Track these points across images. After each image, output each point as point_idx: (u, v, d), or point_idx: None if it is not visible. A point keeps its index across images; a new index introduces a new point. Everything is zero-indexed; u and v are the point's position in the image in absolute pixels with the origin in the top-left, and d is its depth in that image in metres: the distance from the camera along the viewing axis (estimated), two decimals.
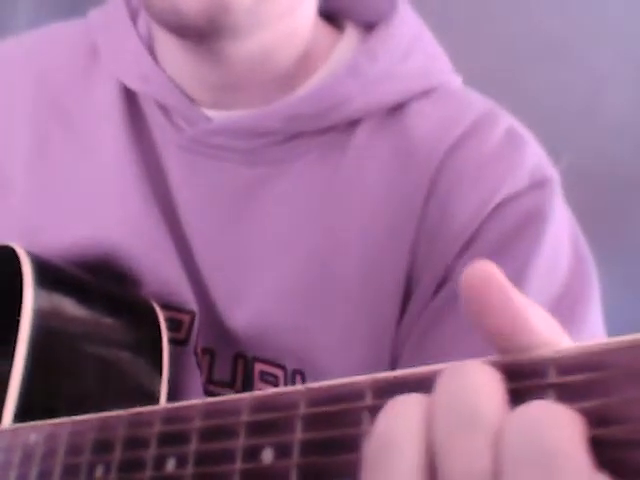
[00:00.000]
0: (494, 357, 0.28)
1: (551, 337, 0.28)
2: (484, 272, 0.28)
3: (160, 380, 0.58)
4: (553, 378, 0.26)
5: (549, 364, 0.27)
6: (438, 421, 0.27)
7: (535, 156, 0.63)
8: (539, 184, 0.61)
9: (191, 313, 0.62)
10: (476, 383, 0.27)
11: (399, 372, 0.30)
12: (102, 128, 0.67)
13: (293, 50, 0.64)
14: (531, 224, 0.60)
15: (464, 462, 0.26)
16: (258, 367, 0.63)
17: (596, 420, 0.25)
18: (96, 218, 0.65)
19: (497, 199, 0.60)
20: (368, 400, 0.31)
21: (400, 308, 0.60)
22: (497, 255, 0.59)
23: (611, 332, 0.58)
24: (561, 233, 0.62)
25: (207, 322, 0.63)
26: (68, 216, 0.66)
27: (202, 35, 0.58)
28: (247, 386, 0.63)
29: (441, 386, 0.28)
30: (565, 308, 0.59)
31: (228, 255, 0.63)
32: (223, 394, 0.63)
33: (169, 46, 0.65)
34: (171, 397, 0.59)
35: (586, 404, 0.26)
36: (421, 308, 0.60)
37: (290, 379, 0.61)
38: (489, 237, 0.60)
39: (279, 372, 0.62)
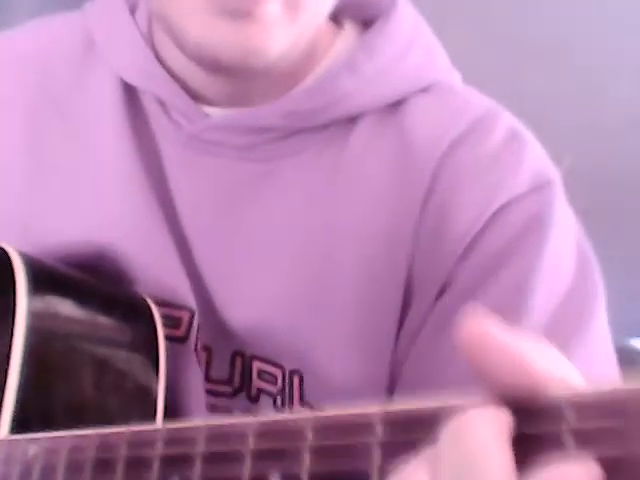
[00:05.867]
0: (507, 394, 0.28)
1: (560, 377, 0.27)
2: (479, 329, 0.28)
3: (157, 377, 0.57)
4: (572, 423, 0.26)
5: (566, 407, 0.26)
6: None
7: (536, 158, 0.62)
8: (541, 187, 0.60)
9: (190, 310, 0.62)
10: (480, 445, 0.26)
11: (411, 405, 0.30)
12: (101, 123, 0.66)
13: (299, 52, 0.63)
14: (534, 228, 0.59)
15: None
16: (256, 365, 0.62)
17: (612, 467, 0.25)
18: (94, 214, 0.64)
19: (498, 202, 0.59)
20: (379, 434, 0.30)
21: (400, 308, 0.60)
22: (500, 260, 0.58)
23: (613, 333, 0.58)
24: (565, 236, 0.61)
25: (206, 319, 0.62)
26: (65, 213, 0.65)
27: (232, 75, 0.59)
28: (245, 384, 0.63)
29: (445, 453, 0.27)
30: (571, 313, 0.58)
31: (227, 252, 0.63)
32: (221, 392, 0.63)
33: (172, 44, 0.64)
34: (173, 395, 0.59)
35: (604, 452, 0.25)
36: (424, 311, 0.59)
37: (288, 380, 0.61)
38: (492, 241, 0.58)
39: (277, 371, 0.62)
